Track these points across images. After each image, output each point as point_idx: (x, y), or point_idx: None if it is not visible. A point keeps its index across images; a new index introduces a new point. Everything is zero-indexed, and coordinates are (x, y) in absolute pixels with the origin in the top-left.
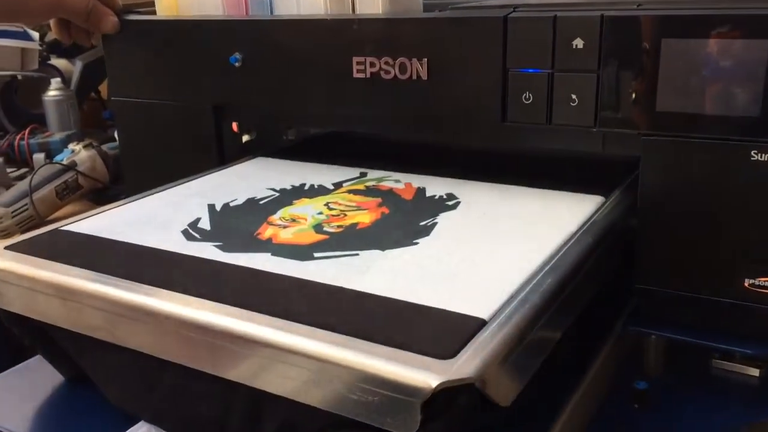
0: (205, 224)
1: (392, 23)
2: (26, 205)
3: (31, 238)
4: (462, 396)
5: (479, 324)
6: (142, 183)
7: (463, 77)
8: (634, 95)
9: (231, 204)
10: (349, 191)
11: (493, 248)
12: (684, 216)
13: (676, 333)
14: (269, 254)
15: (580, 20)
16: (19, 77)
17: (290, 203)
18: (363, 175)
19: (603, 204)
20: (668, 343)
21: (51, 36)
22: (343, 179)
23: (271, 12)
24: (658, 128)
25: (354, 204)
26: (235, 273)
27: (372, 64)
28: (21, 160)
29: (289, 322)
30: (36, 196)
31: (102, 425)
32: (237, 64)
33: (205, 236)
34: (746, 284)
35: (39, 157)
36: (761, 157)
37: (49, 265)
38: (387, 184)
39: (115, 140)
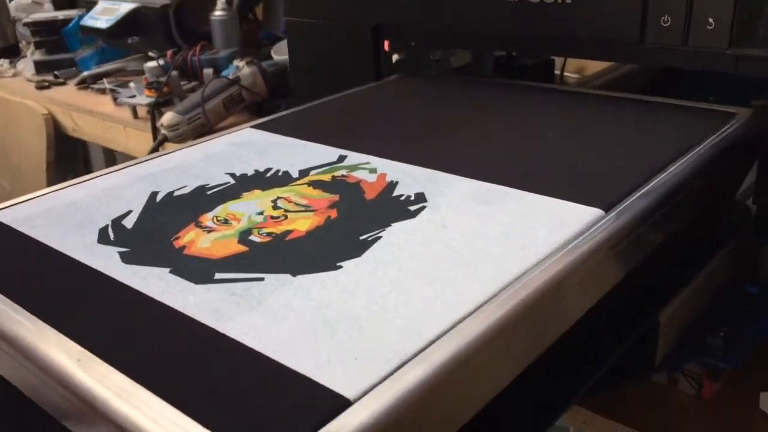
0: (130, 221)
1: None
2: (199, 114)
3: None
4: None
5: (340, 405)
6: (308, 94)
7: (605, 0)
8: None
9: (175, 193)
10: (311, 183)
11: (420, 283)
12: None
13: None
14: (168, 270)
15: None
16: None
17: (238, 196)
18: (341, 159)
19: (600, 218)
20: None
21: None
22: (314, 165)
23: None
24: None
25: (304, 203)
26: (109, 297)
27: None
28: (192, 73)
29: (122, 377)
30: (207, 106)
31: None
32: None
33: (119, 238)
34: None
35: (208, 71)
36: None
37: None
38: (358, 175)
39: (271, 58)
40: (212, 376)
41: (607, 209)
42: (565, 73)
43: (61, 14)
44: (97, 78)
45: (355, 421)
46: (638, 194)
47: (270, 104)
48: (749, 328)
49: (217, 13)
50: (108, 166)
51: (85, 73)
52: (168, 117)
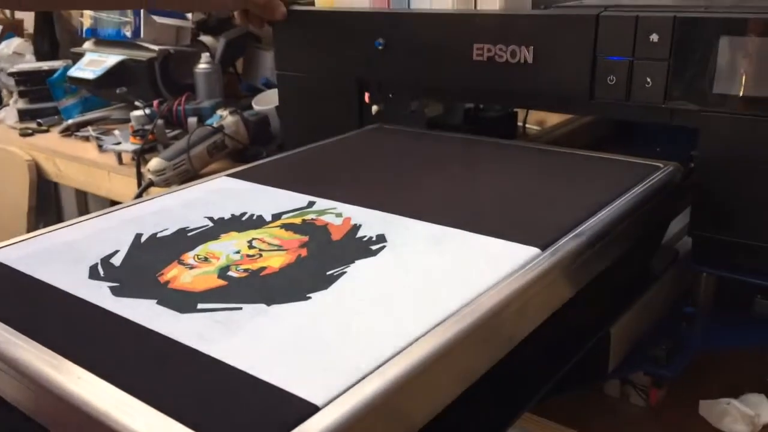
0: (118, 259)
1: (506, 18)
2: (184, 160)
3: None
4: None
5: (310, 410)
6: (295, 139)
7: (561, 62)
8: (696, 79)
9: (158, 235)
10: (283, 225)
11: (380, 311)
12: (733, 177)
13: (724, 271)
14: (155, 302)
15: (657, 20)
16: (172, 51)
17: (217, 237)
18: (310, 204)
19: (537, 256)
20: (717, 280)
21: (198, 15)
22: (285, 209)
23: (409, 6)
24: (715, 106)
25: (276, 243)
26: (102, 326)
27: (489, 50)
28: (177, 122)
29: (111, 387)
30: (192, 153)
31: None
32: (380, 48)
33: (108, 274)
34: None
35: (192, 120)
36: None
37: None
38: (325, 219)
39: (252, 108)
40: (199, 390)
41: (543, 248)
42: (527, 125)
43: (45, 65)
44: (81, 126)
45: (322, 424)
46: (571, 235)
47: (252, 150)
48: (688, 342)
49: (201, 66)
50: (80, 211)
51: (70, 121)
52: (154, 162)
